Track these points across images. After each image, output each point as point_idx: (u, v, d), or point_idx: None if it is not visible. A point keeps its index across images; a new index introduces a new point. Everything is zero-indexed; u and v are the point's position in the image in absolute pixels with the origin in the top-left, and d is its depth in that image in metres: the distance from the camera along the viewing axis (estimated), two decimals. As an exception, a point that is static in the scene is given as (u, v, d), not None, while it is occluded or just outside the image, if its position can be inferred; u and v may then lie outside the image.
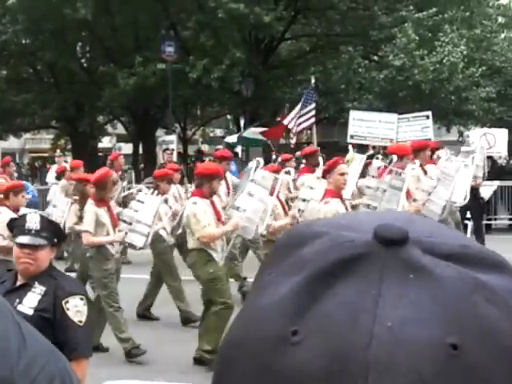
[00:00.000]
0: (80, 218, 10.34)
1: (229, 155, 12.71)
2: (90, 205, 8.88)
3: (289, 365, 0.60)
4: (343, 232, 0.65)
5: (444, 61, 24.80)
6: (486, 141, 19.39)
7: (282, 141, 31.35)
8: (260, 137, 23.07)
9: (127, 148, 43.56)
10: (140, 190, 10.69)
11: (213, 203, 8.62)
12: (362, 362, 0.58)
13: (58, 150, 24.65)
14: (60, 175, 15.62)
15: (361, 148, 23.82)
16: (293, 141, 22.12)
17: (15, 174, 22.92)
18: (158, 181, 10.81)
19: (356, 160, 13.66)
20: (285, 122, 22.34)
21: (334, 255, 0.63)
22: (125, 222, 9.11)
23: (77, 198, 10.86)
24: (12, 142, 41.10)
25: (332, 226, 0.67)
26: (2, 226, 8.36)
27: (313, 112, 21.12)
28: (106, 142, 45.42)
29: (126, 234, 8.96)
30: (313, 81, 21.73)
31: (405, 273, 0.62)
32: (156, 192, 9.74)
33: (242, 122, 29.59)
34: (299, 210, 10.01)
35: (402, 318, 0.59)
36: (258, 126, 24.15)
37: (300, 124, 21.25)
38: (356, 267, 0.62)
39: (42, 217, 4.85)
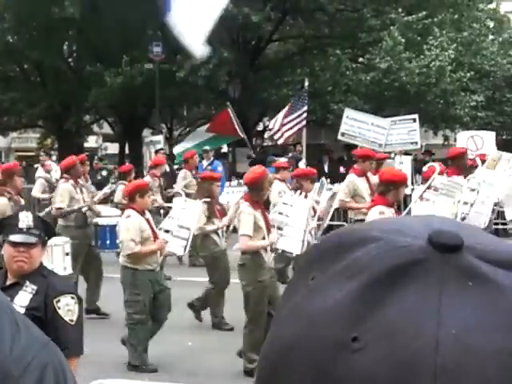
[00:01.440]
0: (208, 218, 10.21)
1: (374, 154, 12.44)
2: (247, 207, 8.33)
3: (352, 372, 0.60)
4: (397, 237, 0.65)
5: (431, 65, 24.84)
6: (474, 143, 19.40)
7: (268, 142, 31.38)
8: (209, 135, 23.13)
9: (113, 148, 43.44)
10: None
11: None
12: (429, 369, 0.58)
13: (42, 151, 24.45)
14: (123, 175, 15.10)
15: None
16: (280, 140, 22.09)
17: None
18: (302, 180, 10.70)
19: (503, 160, 13.55)
20: (270, 125, 22.37)
21: (391, 261, 0.63)
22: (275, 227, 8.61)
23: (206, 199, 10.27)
24: (-2, 141, 41.00)
25: (384, 230, 0.67)
26: (133, 230, 8.43)
27: (304, 115, 21.20)
28: (91, 142, 45.25)
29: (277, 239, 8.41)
30: (306, 83, 21.77)
31: (463, 280, 0.62)
32: (299, 192, 9.26)
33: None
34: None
35: (467, 326, 0.59)
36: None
37: (292, 127, 21.31)
38: (414, 273, 0.62)
39: (34, 215, 4.86)
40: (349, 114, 21.05)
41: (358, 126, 20.55)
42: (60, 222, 11.33)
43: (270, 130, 22.31)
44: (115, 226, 11.25)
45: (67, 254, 9.67)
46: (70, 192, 11.27)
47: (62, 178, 11.91)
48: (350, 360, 0.60)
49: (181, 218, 9.34)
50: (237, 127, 21.70)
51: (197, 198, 10.38)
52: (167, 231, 9.16)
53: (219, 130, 22.72)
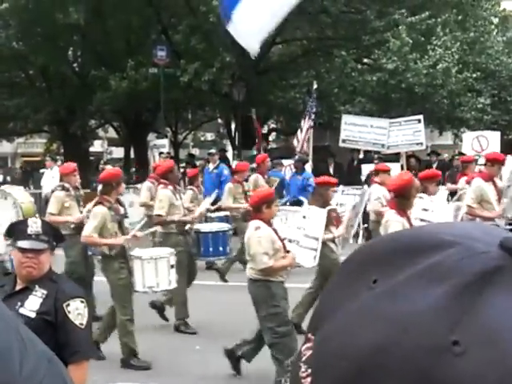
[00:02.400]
0: (325, 226, 9.64)
1: (503, 158, 11.86)
2: (395, 215, 8.13)
3: (457, 376, 0.61)
4: (473, 243, 0.66)
5: (437, 65, 24.80)
6: (479, 144, 19.43)
7: (273, 145, 31.44)
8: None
9: (118, 152, 43.50)
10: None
11: None
12: None
13: (48, 156, 24.49)
14: (192, 180, 14.51)
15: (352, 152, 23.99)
16: (299, 147, 22.05)
17: (7, 179, 23.02)
18: (427, 182, 10.33)
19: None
20: (295, 144, 22.38)
21: (478, 266, 0.64)
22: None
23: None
24: (4, 146, 41.05)
25: (456, 235, 0.68)
26: (265, 243, 7.93)
27: (313, 116, 21.29)
28: (97, 146, 45.33)
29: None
30: (315, 86, 21.78)
31: None
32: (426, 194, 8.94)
33: (233, 126, 29.62)
34: None
35: None
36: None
37: (307, 130, 21.46)
38: (500, 278, 0.63)
39: (42, 221, 4.90)
40: (347, 119, 21.14)
41: (358, 131, 20.64)
42: (160, 229, 10.90)
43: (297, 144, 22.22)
44: (218, 232, 11.19)
45: (172, 267, 9.40)
46: (170, 198, 10.93)
47: (160, 183, 11.52)
48: (453, 364, 0.61)
49: (306, 227, 9.01)
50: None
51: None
52: (292, 241, 8.84)
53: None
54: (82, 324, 4.58)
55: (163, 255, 9.35)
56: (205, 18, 24.09)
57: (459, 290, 0.63)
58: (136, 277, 9.09)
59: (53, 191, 11.51)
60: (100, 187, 9.83)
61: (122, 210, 10.07)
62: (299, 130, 21.87)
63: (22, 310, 4.59)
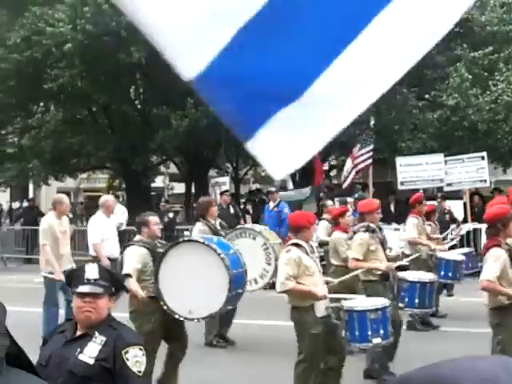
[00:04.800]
0: None
1: None
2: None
3: None
4: None
5: (498, 100, 24.48)
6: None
7: (334, 181, 31.31)
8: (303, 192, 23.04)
9: (180, 187, 43.85)
10: None
11: None
12: None
13: (110, 192, 24.86)
14: (336, 219, 13.17)
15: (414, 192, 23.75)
16: (346, 183, 21.99)
17: (69, 215, 23.28)
18: None
19: None
20: (345, 172, 22.26)
21: None
22: None
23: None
24: (67, 182, 41.64)
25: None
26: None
27: (370, 153, 21.11)
28: (158, 182, 45.74)
29: None
30: (372, 122, 21.67)
31: None
32: None
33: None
34: None
35: None
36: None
37: (357, 165, 21.25)
38: None
39: (100, 266, 4.93)
40: (401, 162, 21.04)
41: (414, 170, 20.54)
42: (361, 275, 9.89)
43: (345, 177, 22.16)
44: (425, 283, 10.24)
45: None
46: (369, 244, 9.88)
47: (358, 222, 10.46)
48: None
49: None
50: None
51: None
52: None
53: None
54: (139, 371, 4.58)
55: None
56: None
57: None
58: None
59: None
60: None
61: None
62: (347, 165, 21.81)
63: (81, 357, 4.60)
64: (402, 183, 20.86)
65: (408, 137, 25.49)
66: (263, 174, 50.63)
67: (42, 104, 31.18)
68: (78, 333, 4.74)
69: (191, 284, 8.77)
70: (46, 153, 28.88)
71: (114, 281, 4.88)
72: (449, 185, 20.55)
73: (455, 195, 20.77)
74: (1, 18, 27.99)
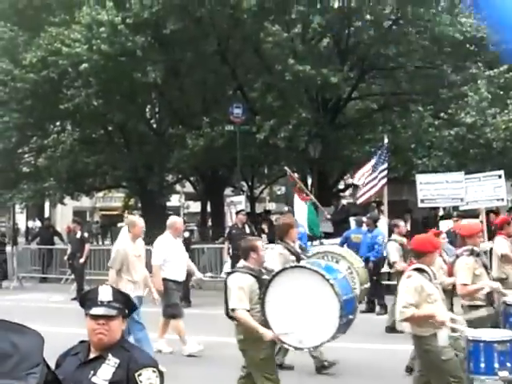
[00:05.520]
0: None
1: None
2: None
3: None
4: None
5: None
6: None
7: (344, 201, 31.18)
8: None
9: (195, 206, 43.96)
10: None
11: None
12: None
13: (127, 211, 24.93)
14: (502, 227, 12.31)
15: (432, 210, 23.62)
16: (360, 200, 21.89)
17: (85, 234, 23.33)
18: None
19: None
20: (355, 181, 22.20)
21: None
22: None
23: None
24: (83, 201, 41.81)
25: None
26: None
27: (385, 172, 21.01)
28: (174, 201, 45.85)
29: None
30: (386, 140, 21.59)
31: None
32: None
33: (309, 181, 29.60)
34: None
35: None
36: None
37: (373, 187, 21.14)
38: None
39: (113, 288, 4.92)
40: (421, 179, 20.92)
41: (435, 188, 20.41)
42: (463, 300, 9.48)
43: (357, 191, 22.05)
44: None
45: None
46: (474, 268, 9.36)
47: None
48: None
49: None
50: (304, 190, 21.47)
51: None
52: None
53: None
54: (153, 393, 4.55)
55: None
56: (281, 76, 24.26)
57: None
58: None
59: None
60: None
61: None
62: (358, 179, 21.71)
63: (94, 379, 4.59)
64: (422, 201, 20.74)
65: (423, 153, 25.39)
66: (278, 192, 50.75)
67: (58, 123, 31.40)
68: (92, 355, 4.72)
69: (300, 312, 8.38)
70: (62, 172, 29.01)
71: (127, 302, 4.88)
72: (465, 204, 20.44)
73: (471, 214, 20.63)
74: (18, 39, 28.25)
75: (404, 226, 16.11)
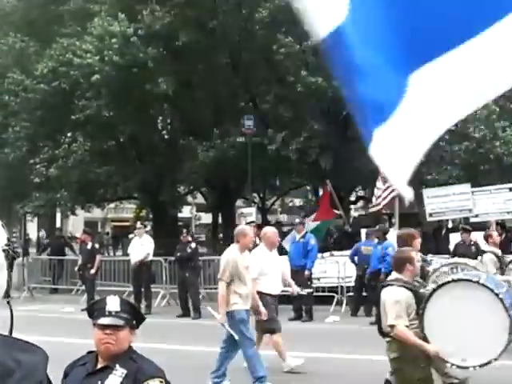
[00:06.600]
0: None
1: None
2: None
3: None
4: None
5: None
6: None
7: (355, 213, 31.16)
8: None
9: (206, 218, 43.95)
10: None
11: None
12: None
13: (139, 222, 24.93)
14: None
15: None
16: (378, 207, 21.82)
17: (96, 245, 23.37)
18: None
19: None
20: (374, 200, 22.13)
21: None
22: None
23: None
24: (95, 212, 41.84)
25: None
26: None
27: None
28: (185, 212, 45.86)
29: None
30: None
31: None
32: None
33: (320, 193, 29.58)
34: None
35: None
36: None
37: (386, 196, 21.11)
38: None
39: (121, 299, 4.92)
40: (428, 193, 20.93)
41: (442, 201, 20.41)
42: None
43: (376, 200, 22.01)
44: None
45: None
46: None
47: None
48: None
49: None
50: (338, 204, 21.64)
51: None
52: None
53: (323, 217, 22.75)
54: (160, 403, 4.54)
55: None
56: (292, 87, 24.27)
57: None
58: None
59: None
60: None
61: None
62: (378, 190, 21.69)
63: (101, 389, 4.58)
64: (430, 215, 20.75)
65: (433, 166, 25.32)
66: (290, 204, 50.73)
67: (69, 134, 31.39)
68: (99, 365, 4.72)
69: (463, 328, 7.81)
70: (73, 183, 29.02)
71: (135, 313, 4.88)
72: (475, 216, 20.41)
73: (478, 226, 20.58)
74: (29, 49, 28.36)
75: (497, 235, 15.60)
